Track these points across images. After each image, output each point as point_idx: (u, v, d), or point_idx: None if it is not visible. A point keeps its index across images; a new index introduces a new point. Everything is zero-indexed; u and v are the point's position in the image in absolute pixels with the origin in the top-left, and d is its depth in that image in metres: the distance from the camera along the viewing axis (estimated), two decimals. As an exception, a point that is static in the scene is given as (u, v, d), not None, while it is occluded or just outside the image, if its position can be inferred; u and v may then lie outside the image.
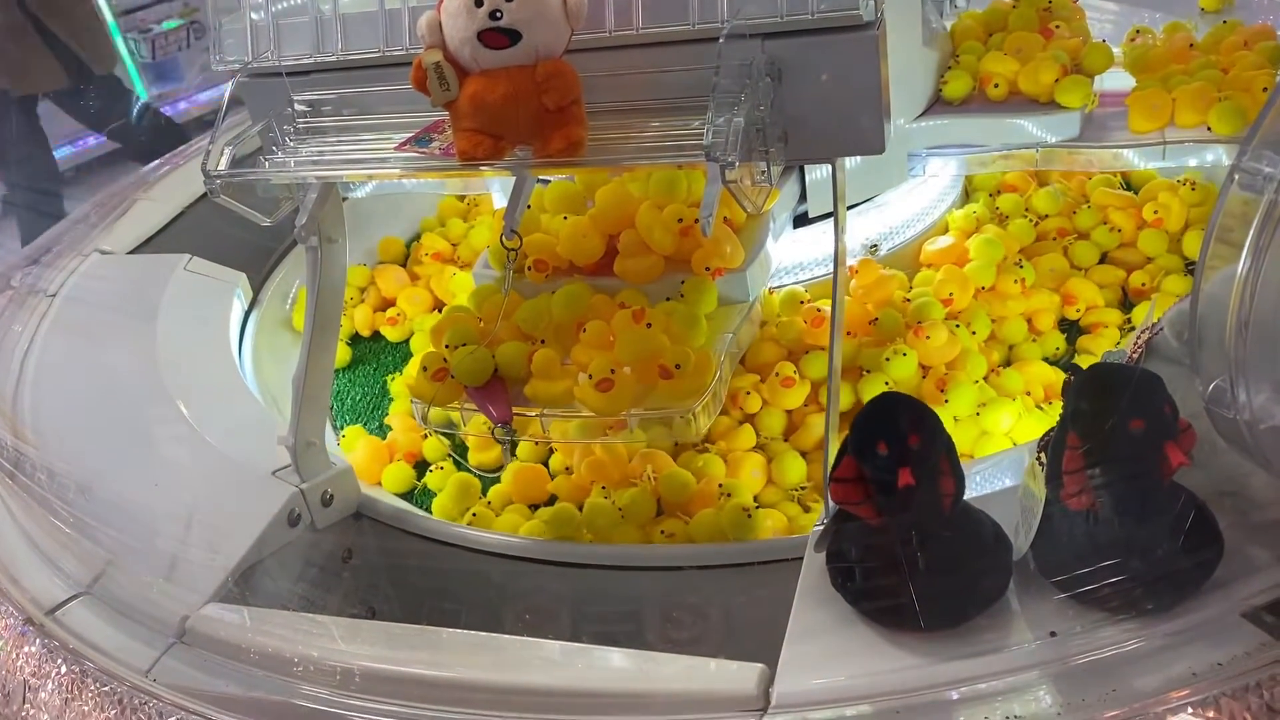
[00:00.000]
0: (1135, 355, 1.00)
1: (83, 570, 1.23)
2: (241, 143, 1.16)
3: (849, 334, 1.54)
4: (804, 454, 1.46)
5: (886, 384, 1.45)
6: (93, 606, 1.19)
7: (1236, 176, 0.73)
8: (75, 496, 1.29)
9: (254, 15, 1.20)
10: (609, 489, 1.41)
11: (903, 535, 0.89)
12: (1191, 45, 1.63)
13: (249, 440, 1.40)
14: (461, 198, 2.21)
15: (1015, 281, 1.60)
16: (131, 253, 1.93)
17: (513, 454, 1.57)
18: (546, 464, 1.54)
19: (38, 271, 1.89)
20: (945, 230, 1.74)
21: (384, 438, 1.66)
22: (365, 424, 1.72)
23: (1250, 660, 0.82)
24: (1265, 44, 1.55)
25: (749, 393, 1.49)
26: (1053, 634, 0.88)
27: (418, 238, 2.11)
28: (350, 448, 1.61)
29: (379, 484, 1.58)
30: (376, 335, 1.94)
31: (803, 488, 1.42)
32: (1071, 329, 1.63)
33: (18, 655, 1.15)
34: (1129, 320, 1.60)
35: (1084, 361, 1.52)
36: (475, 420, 1.30)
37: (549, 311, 1.33)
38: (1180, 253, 1.68)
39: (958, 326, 1.52)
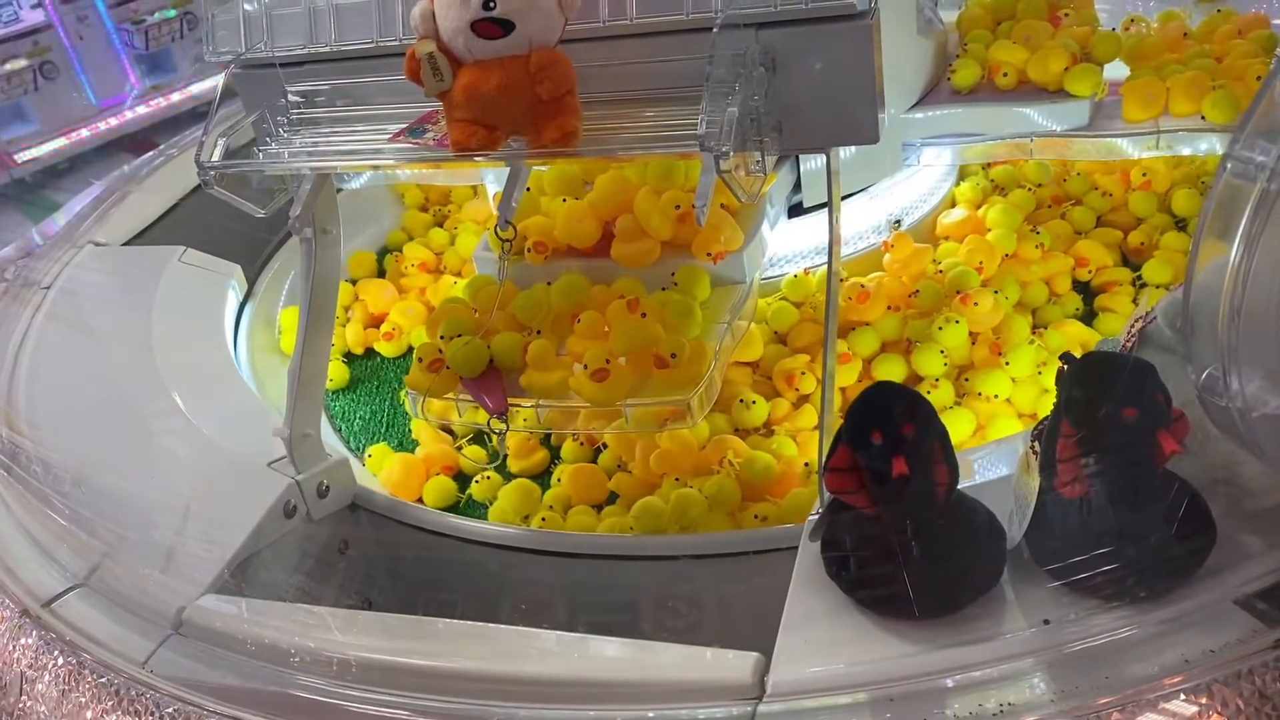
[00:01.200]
0: (1128, 344, 1.00)
1: (79, 562, 1.23)
2: (235, 134, 1.16)
3: (892, 308, 1.56)
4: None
5: (941, 353, 1.48)
6: (89, 598, 1.19)
7: (1228, 165, 0.73)
8: (71, 488, 1.29)
9: (247, 6, 1.19)
10: (683, 479, 1.40)
11: (897, 524, 0.89)
12: (1185, 34, 1.63)
13: (245, 432, 1.40)
14: (424, 208, 2.18)
15: (1036, 247, 1.65)
16: (126, 244, 1.93)
17: (545, 451, 1.56)
18: (594, 463, 1.53)
19: (32, 264, 1.89)
20: (953, 204, 1.78)
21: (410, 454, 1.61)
22: (384, 442, 1.67)
23: (1243, 647, 0.83)
24: (1258, 32, 1.55)
25: (803, 373, 1.50)
26: (1046, 622, 0.88)
27: (386, 251, 2.08)
28: (380, 466, 1.57)
29: (419, 500, 1.53)
30: (370, 353, 1.89)
31: None
32: (1084, 290, 1.67)
33: (15, 647, 1.15)
34: (1139, 277, 1.66)
35: (1108, 320, 1.59)
36: (472, 411, 1.30)
37: (545, 302, 1.33)
38: (1170, 211, 1.76)
39: (995, 293, 1.56)
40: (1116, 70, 1.58)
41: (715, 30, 0.97)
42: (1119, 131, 1.48)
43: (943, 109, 1.54)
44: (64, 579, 1.22)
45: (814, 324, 1.57)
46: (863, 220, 1.65)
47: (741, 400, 1.47)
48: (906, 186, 1.70)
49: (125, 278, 1.82)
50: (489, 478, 1.51)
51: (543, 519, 1.40)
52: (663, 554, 1.21)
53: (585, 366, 1.21)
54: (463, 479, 1.56)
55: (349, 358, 1.88)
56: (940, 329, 1.49)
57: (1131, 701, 0.82)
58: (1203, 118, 1.44)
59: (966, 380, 1.50)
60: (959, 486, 0.91)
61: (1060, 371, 0.90)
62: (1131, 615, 0.87)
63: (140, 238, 1.95)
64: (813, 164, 1.55)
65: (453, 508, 1.52)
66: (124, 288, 1.79)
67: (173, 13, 5.28)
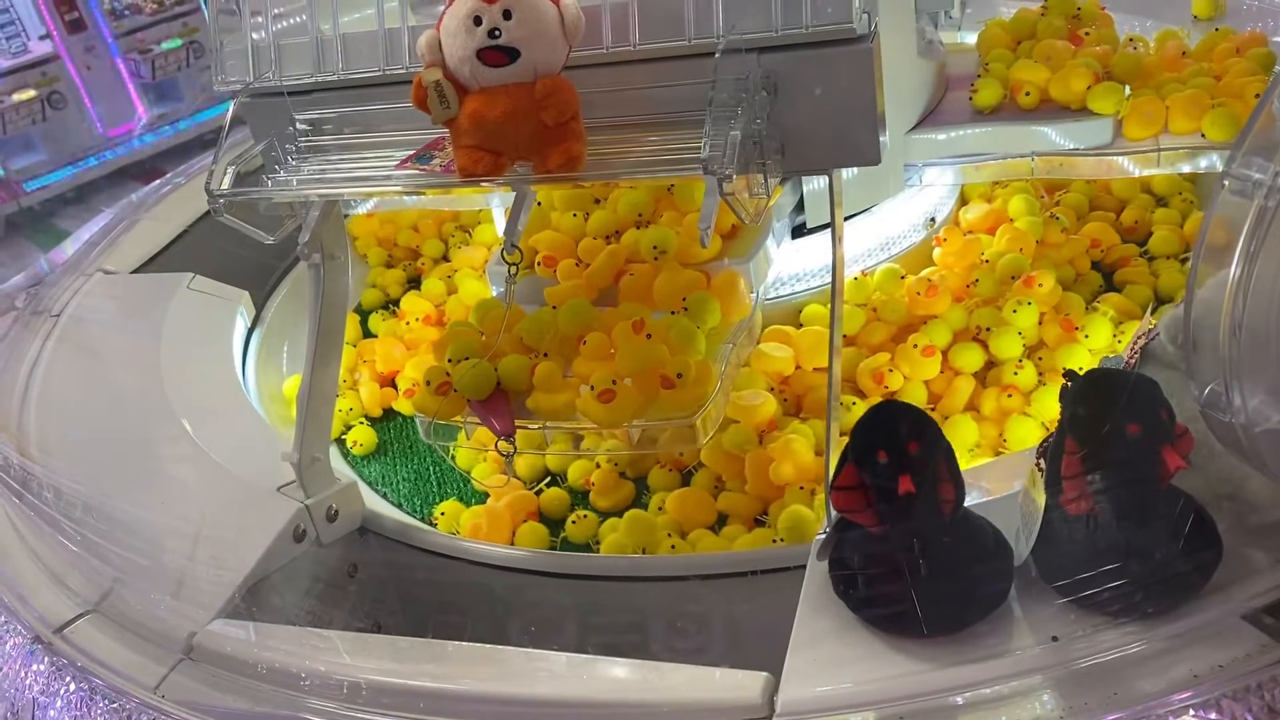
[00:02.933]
0: (1131, 360, 1.01)
1: (90, 588, 1.23)
2: (244, 162, 1.17)
3: (955, 299, 1.62)
4: (946, 417, 1.52)
5: (1019, 334, 1.54)
6: (101, 624, 1.19)
7: (1226, 183, 0.74)
8: (82, 515, 1.30)
9: (255, 35, 1.21)
10: (808, 486, 1.40)
11: (904, 542, 0.89)
12: (1184, 53, 1.65)
13: (254, 457, 1.40)
14: (389, 265, 2.14)
15: (1062, 230, 1.73)
16: (135, 272, 1.95)
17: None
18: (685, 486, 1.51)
19: (42, 291, 1.90)
20: (964, 201, 1.83)
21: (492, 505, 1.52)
22: (451, 499, 1.59)
23: (1251, 662, 0.83)
24: (1256, 50, 1.56)
25: (890, 370, 1.53)
26: (1054, 638, 0.88)
27: (364, 312, 2.04)
28: (455, 524, 1.52)
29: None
30: (388, 414, 1.81)
31: (978, 446, 1.46)
32: (1096, 269, 1.76)
33: (27, 674, 1.16)
34: (1146, 250, 1.76)
35: (1136, 291, 1.65)
36: (480, 433, 1.31)
37: (552, 325, 1.34)
38: (1150, 191, 1.88)
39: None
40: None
41: (717, 55, 0.99)
42: (1120, 150, 1.49)
43: (946, 130, 1.55)
44: (75, 605, 1.22)
45: (882, 323, 1.62)
46: (904, 220, 1.70)
47: (841, 403, 1.48)
48: (933, 189, 1.75)
49: (134, 305, 1.84)
50: (585, 517, 1.48)
51: (672, 547, 1.38)
52: (671, 574, 1.22)
53: (592, 388, 1.22)
54: (545, 521, 1.52)
55: (368, 421, 1.81)
56: (1015, 311, 1.55)
57: (1140, 717, 0.82)
58: (1203, 135, 1.44)
59: (1040, 359, 1.55)
60: (965, 504, 0.92)
61: (1063, 389, 0.90)
62: (1139, 631, 0.87)
63: (149, 265, 1.96)
64: (815, 185, 1.56)
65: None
66: (133, 314, 1.80)
67: (179, 43, 5.34)
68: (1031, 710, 0.85)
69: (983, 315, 1.58)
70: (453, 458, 1.64)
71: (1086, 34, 1.68)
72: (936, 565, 0.89)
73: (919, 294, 1.61)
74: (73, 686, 1.12)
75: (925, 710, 0.87)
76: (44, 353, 1.71)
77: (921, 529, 0.89)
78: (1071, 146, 1.50)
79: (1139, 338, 1.03)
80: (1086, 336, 1.53)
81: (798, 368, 1.58)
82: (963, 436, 1.45)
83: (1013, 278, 1.61)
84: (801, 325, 1.63)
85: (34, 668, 1.16)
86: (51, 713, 1.11)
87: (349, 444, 1.74)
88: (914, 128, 1.57)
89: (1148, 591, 0.87)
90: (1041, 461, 0.92)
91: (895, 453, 0.87)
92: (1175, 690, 0.83)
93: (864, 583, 0.93)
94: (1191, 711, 0.82)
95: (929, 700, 0.87)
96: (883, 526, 0.91)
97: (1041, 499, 0.90)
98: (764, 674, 0.92)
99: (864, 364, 1.55)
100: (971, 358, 1.54)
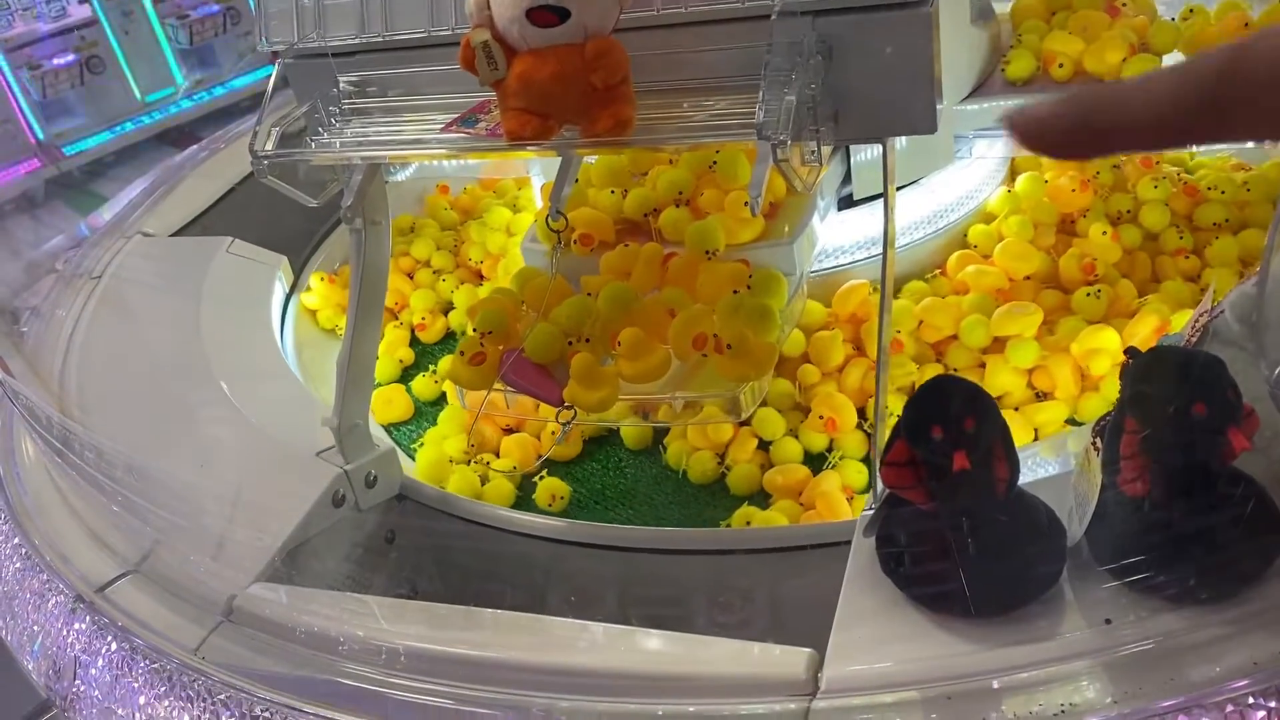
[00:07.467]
0: (1193, 338, 0.98)
1: (131, 548, 1.24)
2: (288, 124, 1.16)
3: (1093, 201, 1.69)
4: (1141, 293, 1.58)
5: (1165, 204, 1.62)
6: (141, 584, 1.20)
7: (1309, 154, 0.72)
8: (123, 475, 1.30)
9: (298, -5, 1.19)
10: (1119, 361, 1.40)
11: (955, 520, 0.87)
12: (1246, 24, 1.59)
13: (292, 421, 1.40)
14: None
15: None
16: (174, 235, 1.95)
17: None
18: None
19: (83, 253, 1.91)
20: (1015, 175, 1.82)
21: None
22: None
23: (1313, 649, 0.81)
24: (1324, 21, 1.52)
25: (1094, 259, 1.56)
26: (1108, 621, 0.86)
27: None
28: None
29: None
30: (548, 462, 1.55)
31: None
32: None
33: (69, 632, 1.17)
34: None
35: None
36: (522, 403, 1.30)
37: (592, 311, 1.29)
38: None
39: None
40: (1175, 60, 1.55)
41: (774, 18, 0.96)
42: (1180, 124, 1.45)
43: (998, 100, 1.51)
44: (116, 565, 1.23)
45: (1044, 225, 1.64)
46: (951, 192, 1.68)
47: (1088, 294, 1.51)
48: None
49: (174, 267, 1.84)
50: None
51: None
52: (715, 548, 1.20)
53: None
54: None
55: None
56: (1155, 186, 1.63)
57: (1196, 704, 0.80)
58: (1265, 109, 1.40)
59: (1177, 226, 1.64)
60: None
61: (1124, 366, 0.88)
62: (1196, 616, 0.84)
63: (188, 228, 1.97)
64: (864, 156, 1.53)
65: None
66: (172, 277, 1.81)
67: (216, 8, 5.35)
68: (1084, 694, 0.83)
69: (1118, 200, 1.65)
70: (683, 474, 1.47)
71: (1124, 5, 1.64)
72: (988, 544, 0.87)
73: (1073, 190, 1.65)
74: (114, 646, 1.12)
75: (973, 690, 0.85)
76: (84, 314, 1.71)
77: (974, 507, 0.87)
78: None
79: (1200, 315, 1.00)
80: (1223, 193, 1.59)
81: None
82: (1179, 296, 1.51)
83: (1114, 166, 1.69)
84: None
85: (75, 626, 1.16)
86: (93, 671, 1.12)
87: (544, 505, 1.46)
88: (966, 98, 1.54)
89: (1207, 576, 0.84)
90: (1098, 440, 0.90)
91: (950, 429, 0.85)
92: (1234, 677, 0.80)
93: (912, 560, 0.92)
94: (1251, 699, 0.80)
95: (975, 681, 0.85)
96: (933, 504, 0.89)
97: (1098, 479, 0.88)
98: (808, 650, 0.90)
99: (1064, 259, 1.58)
100: (1134, 235, 1.61)
